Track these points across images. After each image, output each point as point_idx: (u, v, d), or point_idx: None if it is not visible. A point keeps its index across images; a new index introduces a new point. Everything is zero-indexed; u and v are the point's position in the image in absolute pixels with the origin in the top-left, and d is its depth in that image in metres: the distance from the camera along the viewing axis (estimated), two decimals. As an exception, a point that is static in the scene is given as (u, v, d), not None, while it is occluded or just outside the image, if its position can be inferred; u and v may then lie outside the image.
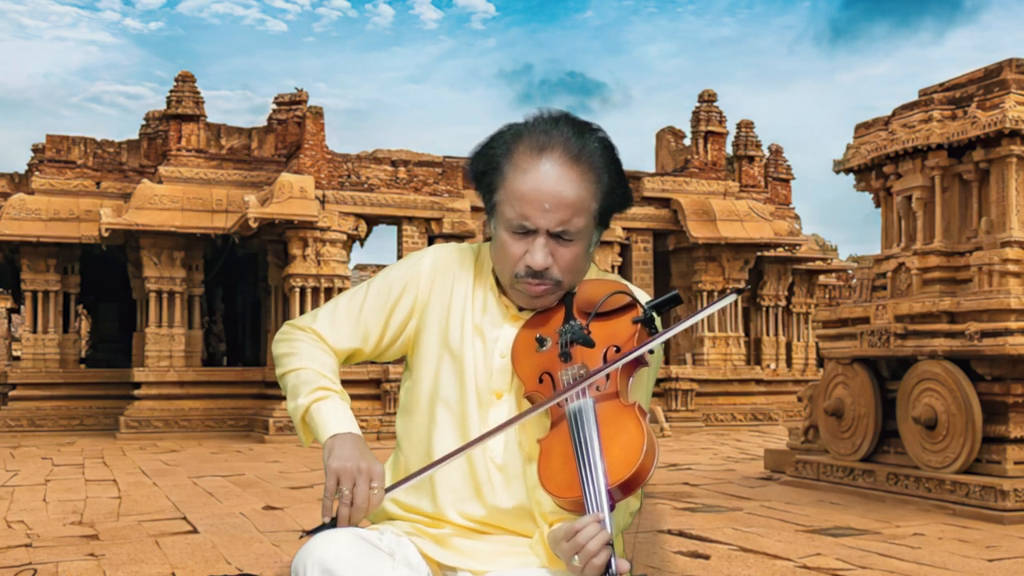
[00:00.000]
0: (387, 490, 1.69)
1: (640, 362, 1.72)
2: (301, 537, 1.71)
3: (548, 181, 1.72)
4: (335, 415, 1.78)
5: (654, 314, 1.73)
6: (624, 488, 1.58)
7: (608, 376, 1.68)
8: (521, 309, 1.84)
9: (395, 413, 16.29)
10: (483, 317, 1.85)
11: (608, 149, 1.78)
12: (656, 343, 1.71)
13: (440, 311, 1.87)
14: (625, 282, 1.85)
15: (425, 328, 1.88)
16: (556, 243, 1.74)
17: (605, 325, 1.74)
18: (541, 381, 1.73)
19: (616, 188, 1.79)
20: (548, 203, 1.71)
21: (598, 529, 1.53)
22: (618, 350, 1.71)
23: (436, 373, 1.84)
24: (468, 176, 1.87)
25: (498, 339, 1.83)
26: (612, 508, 1.56)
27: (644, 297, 1.80)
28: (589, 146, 1.75)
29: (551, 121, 1.77)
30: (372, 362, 15.59)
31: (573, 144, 1.74)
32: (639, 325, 1.72)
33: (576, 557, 1.54)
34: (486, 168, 1.79)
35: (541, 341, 1.75)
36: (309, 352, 1.87)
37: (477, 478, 1.79)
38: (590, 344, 1.71)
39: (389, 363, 15.54)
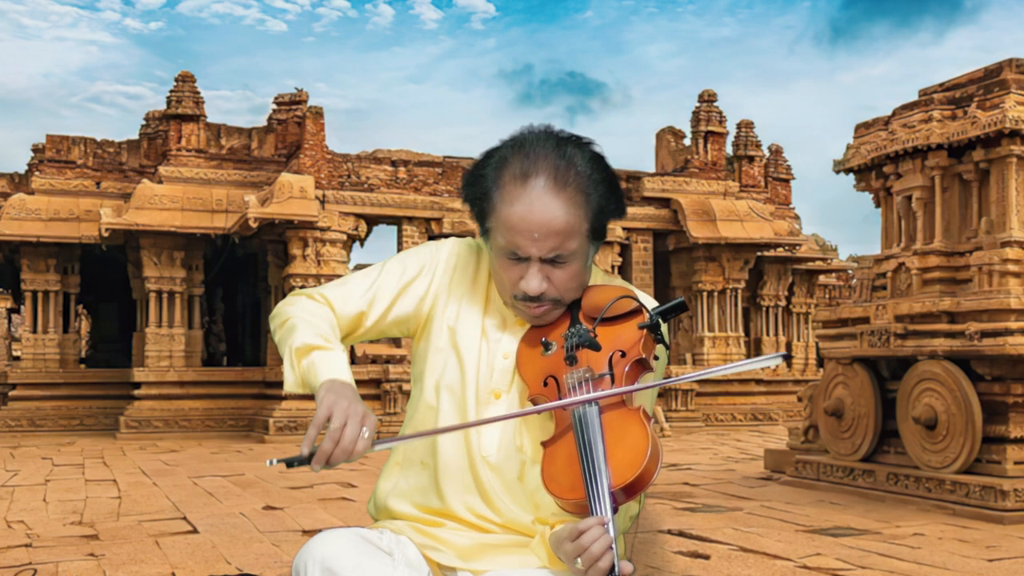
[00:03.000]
0: (375, 443, 1.64)
1: (645, 367, 1.72)
2: (270, 464, 1.67)
3: (535, 211, 1.70)
4: (338, 365, 1.75)
5: (659, 320, 1.73)
6: (628, 491, 1.58)
7: (613, 381, 1.68)
8: None
9: (395, 413, 16.27)
10: (491, 318, 1.86)
11: (596, 163, 1.75)
12: (677, 380, 1.71)
13: (453, 305, 1.87)
14: (631, 287, 1.85)
15: (436, 318, 1.88)
16: (551, 266, 1.74)
17: (611, 330, 1.74)
18: (546, 384, 1.73)
19: (607, 204, 1.76)
20: (537, 232, 1.70)
21: (601, 532, 1.53)
22: (623, 355, 1.71)
23: (444, 364, 1.85)
24: (463, 203, 1.86)
25: (501, 340, 1.83)
26: (615, 511, 1.57)
27: (650, 303, 1.80)
28: (575, 166, 1.72)
29: (535, 142, 1.74)
30: (373, 360, 15.60)
31: (559, 167, 1.71)
32: (644, 331, 1.72)
33: (579, 560, 1.54)
34: (476, 196, 1.78)
35: (546, 345, 1.75)
36: (316, 310, 1.86)
37: (478, 476, 1.80)
38: (596, 347, 1.71)
39: (389, 363, 15.55)
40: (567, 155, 1.73)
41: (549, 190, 1.71)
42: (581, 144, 1.76)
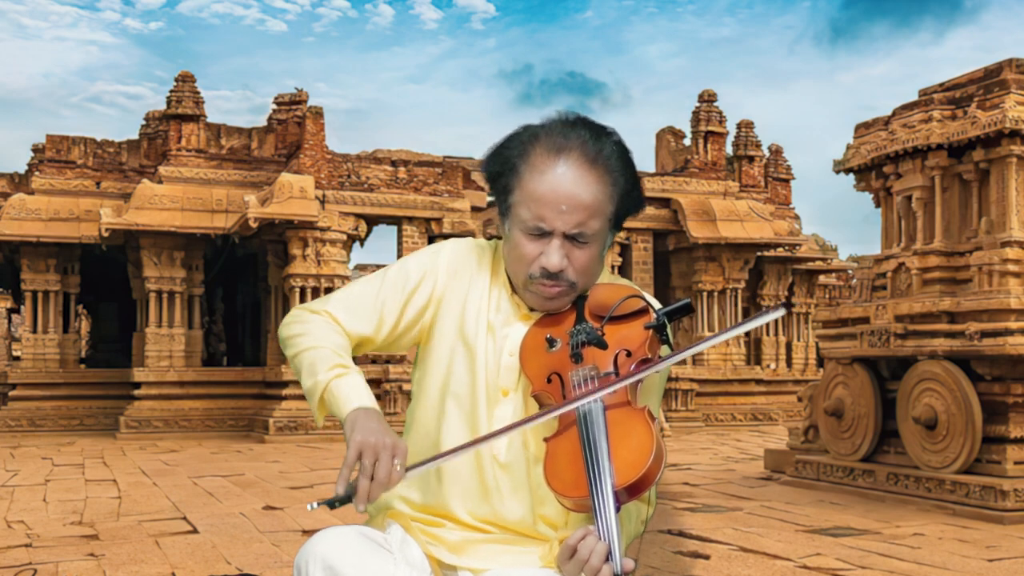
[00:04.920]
0: (408, 469, 1.65)
1: (649, 367, 1.72)
2: (312, 508, 1.67)
3: (565, 183, 1.72)
4: (356, 390, 1.73)
5: (666, 321, 1.73)
6: (631, 490, 1.58)
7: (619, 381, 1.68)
8: (532, 309, 1.84)
9: (395, 413, 16.27)
10: (496, 315, 1.85)
11: (624, 152, 1.79)
12: (681, 356, 1.71)
13: (456, 305, 1.86)
14: (636, 287, 1.85)
15: (440, 320, 1.86)
16: (571, 245, 1.74)
17: (617, 329, 1.74)
18: (550, 381, 1.72)
19: (631, 191, 1.80)
20: (565, 205, 1.71)
21: (595, 541, 1.53)
22: (629, 354, 1.71)
23: (448, 366, 1.84)
24: (483, 176, 1.86)
25: (507, 337, 1.82)
26: (618, 509, 1.56)
27: (655, 304, 1.80)
28: (606, 149, 1.75)
29: (568, 123, 1.77)
30: (373, 361, 15.60)
31: (590, 147, 1.74)
32: (651, 331, 1.72)
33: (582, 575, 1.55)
34: (501, 169, 1.78)
35: (551, 342, 1.74)
36: (322, 332, 1.83)
37: (484, 477, 1.79)
38: (603, 345, 1.71)
39: (389, 363, 15.55)
40: (599, 139, 1.76)
41: (581, 165, 1.73)
42: (610, 133, 1.79)
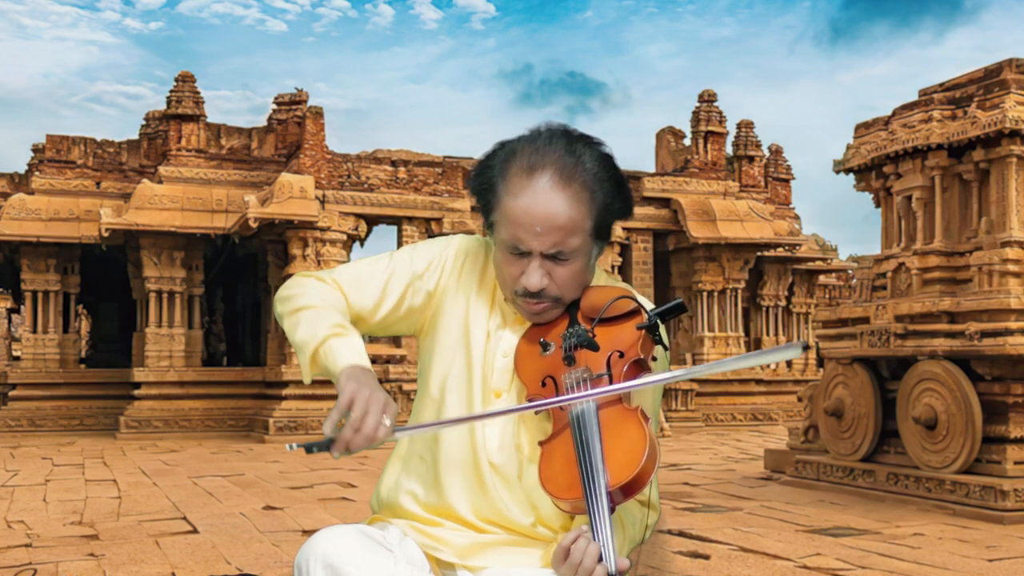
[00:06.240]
0: (396, 431, 1.64)
1: (643, 368, 1.72)
2: (290, 448, 1.65)
3: (539, 204, 1.69)
4: (355, 349, 1.73)
5: (658, 321, 1.73)
6: (625, 491, 1.58)
7: (611, 382, 1.68)
8: None
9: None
10: (493, 317, 1.85)
11: (604, 162, 1.75)
12: (683, 376, 1.69)
13: (463, 302, 1.86)
14: (631, 289, 1.85)
15: (444, 315, 1.87)
16: (552, 263, 1.73)
17: (609, 330, 1.74)
18: (544, 385, 1.73)
19: (612, 203, 1.76)
20: (539, 226, 1.69)
21: (587, 543, 1.53)
22: (622, 355, 1.70)
23: (450, 362, 1.84)
24: (469, 194, 1.86)
25: (502, 338, 1.83)
26: (612, 510, 1.57)
27: (648, 305, 1.80)
28: (582, 163, 1.72)
29: (545, 138, 1.75)
30: (373, 360, 15.57)
31: (565, 163, 1.71)
32: (643, 332, 1.72)
33: None
34: (482, 188, 1.78)
35: (545, 345, 1.75)
36: (326, 295, 1.82)
37: (482, 477, 1.80)
38: (594, 347, 1.70)
39: (389, 363, 15.55)
40: (576, 152, 1.73)
41: (554, 185, 1.70)
42: (591, 143, 1.76)
